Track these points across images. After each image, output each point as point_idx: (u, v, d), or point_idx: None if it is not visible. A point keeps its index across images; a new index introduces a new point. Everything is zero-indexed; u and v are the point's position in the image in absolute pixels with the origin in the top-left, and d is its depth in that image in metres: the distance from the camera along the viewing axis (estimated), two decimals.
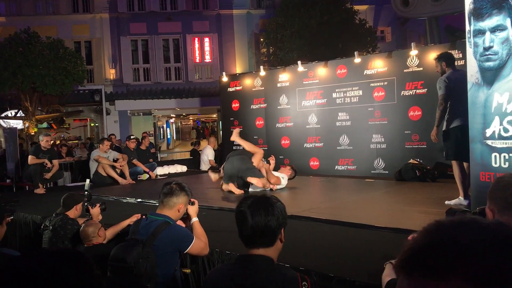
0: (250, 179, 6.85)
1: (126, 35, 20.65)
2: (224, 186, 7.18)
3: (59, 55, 15.05)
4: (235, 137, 7.42)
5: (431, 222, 0.74)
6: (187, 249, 3.06)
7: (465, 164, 5.40)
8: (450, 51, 7.30)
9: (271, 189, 7.01)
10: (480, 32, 4.16)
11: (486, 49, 4.11)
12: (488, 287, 0.64)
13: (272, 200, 2.08)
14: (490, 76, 4.12)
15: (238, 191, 6.91)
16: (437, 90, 5.79)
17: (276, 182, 7.16)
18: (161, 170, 10.77)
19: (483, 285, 0.64)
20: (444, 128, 5.65)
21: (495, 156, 4.10)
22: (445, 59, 5.78)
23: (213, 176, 7.24)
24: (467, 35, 4.33)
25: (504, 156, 4.04)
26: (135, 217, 3.91)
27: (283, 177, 7.39)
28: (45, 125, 19.44)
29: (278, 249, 2.10)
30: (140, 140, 10.91)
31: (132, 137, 10.52)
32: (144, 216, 3.26)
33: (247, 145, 7.33)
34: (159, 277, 2.93)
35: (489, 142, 4.16)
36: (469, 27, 4.27)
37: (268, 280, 1.94)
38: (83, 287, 1.03)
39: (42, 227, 4.71)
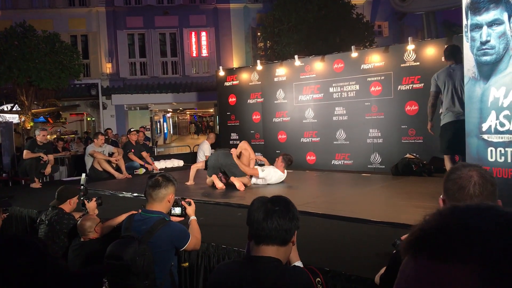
0: (233, 180, 6.94)
1: (122, 29, 20.56)
2: (208, 180, 7.29)
3: (55, 49, 14.95)
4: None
5: (447, 205, 0.73)
6: (185, 247, 3.09)
7: (452, 158, 5.61)
8: (450, 45, 7.32)
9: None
10: (477, 27, 4.15)
11: (483, 43, 4.10)
12: (494, 273, 0.62)
13: (289, 200, 2.07)
14: (487, 70, 4.11)
15: (220, 185, 7.00)
16: None
17: (253, 172, 7.14)
18: (158, 165, 10.76)
19: (490, 270, 0.63)
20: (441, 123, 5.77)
21: (491, 150, 4.10)
22: (444, 52, 5.79)
23: (218, 184, 7.11)
24: (464, 30, 4.32)
25: (500, 151, 4.04)
26: (132, 213, 3.90)
27: (263, 170, 7.24)
28: (41, 119, 19.36)
29: (289, 252, 2.07)
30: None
31: (132, 129, 10.59)
32: (139, 211, 3.25)
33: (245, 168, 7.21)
34: (156, 273, 2.93)
35: (485, 136, 4.15)
36: (466, 21, 4.26)
37: (278, 283, 1.88)
38: (32, 272, 1.01)
39: (37, 221, 4.70)
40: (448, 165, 5.70)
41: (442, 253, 0.66)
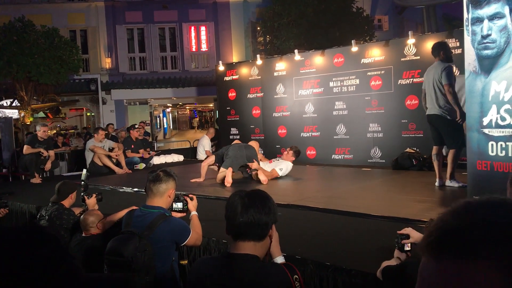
0: (259, 173, 6.94)
1: (121, 23, 20.47)
2: (219, 175, 6.98)
3: (54, 44, 14.90)
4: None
5: (459, 202, 0.73)
6: (185, 242, 3.09)
7: (437, 148, 6.02)
8: (445, 40, 7.34)
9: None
10: (478, 20, 4.13)
11: (484, 37, 4.09)
12: None
13: (268, 196, 2.08)
14: (488, 64, 4.09)
15: (230, 181, 6.74)
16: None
17: (273, 176, 7.28)
18: (157, 160, 10.76)
19: None
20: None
21: (492, 144, 4.10)
22: (444, 48, 5.93)
23: (229, 179, 6.82)
24: (465, 23, 4.30)
25: (501, 145, 4.03)
26: (132, 209, 3.90)
27: (281, 168, 7.42)
28: (41, 114, 19.33)
29: (267, 246, 2.07)
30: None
31: (136, 126, 10.60)
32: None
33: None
34: (157, 269, 2.93)
35: (486, 130, 4.15)
36: (467, 15, 4.24)
37: (255, 280, 1.89)
38: (45, 260, 1.01)
39: (38, 217, 4.70)
40: (433, 153, 6.07)
41: (465, 252, 0.65)
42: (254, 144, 7.57)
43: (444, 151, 6.08)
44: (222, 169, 6.99)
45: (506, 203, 0.70)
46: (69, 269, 1.08)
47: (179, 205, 3.51)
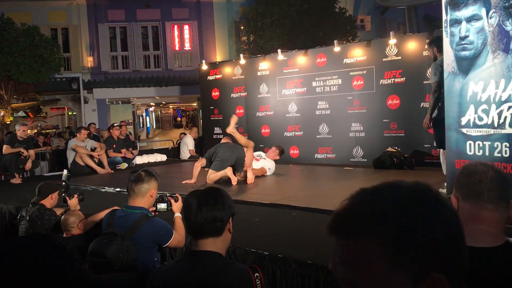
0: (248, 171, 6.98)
1: (104, 22, 20.26)
2: (213, 176, 6.81)
3: (35, 42, 14.69)
4: (231, 130, 7.16)
5: (357, 189, 0.82)
6: (167, 243, 3.07)
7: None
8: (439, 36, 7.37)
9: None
10: (456, 22, 4.21)
11: (462, 38, 4.17)
12: (395, 244, 0.72)
13: (221, 192, 2.13)
14: (466, 65, 4.18)
15: (235, 180, 6.69)
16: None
17: (262, 173, 7.34)
18: (140, 159, 10.69)
19: (391, 242, 0.72)
20: (435, 115, 5.63)
21: (470, 144, 4.18)
22: (436, 44, 5.71)
23: (234, 179, 6.77)
24: (443, 25, 4.38)
25: (478, 144, 4.12)
26: (113, 209, 3.87)
27: (269, 168, 7.48)
28: (21, 113, 19.05)
29: (227, 240, 2.11)
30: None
31: (115, 124, 10.49)
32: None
33: (243, 140, 7.28)
34: (139, 270, 2.92)
35: (464, 130, 4.23)
36: (446, 16, 4.32)
37: (218, 275, 1.93)
38: (54, 270, 1.01)
39: (18, 217, 4.64)
40: (443, 159, 5.71)
41: (350, 230, 0.76)
42: (250, 144, 7.33)
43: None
44: (211, 170, 6.84)
45: (396, 186, 0.81)
46: (78, 275, 1.07)
47: (163, 205, 3.49)
